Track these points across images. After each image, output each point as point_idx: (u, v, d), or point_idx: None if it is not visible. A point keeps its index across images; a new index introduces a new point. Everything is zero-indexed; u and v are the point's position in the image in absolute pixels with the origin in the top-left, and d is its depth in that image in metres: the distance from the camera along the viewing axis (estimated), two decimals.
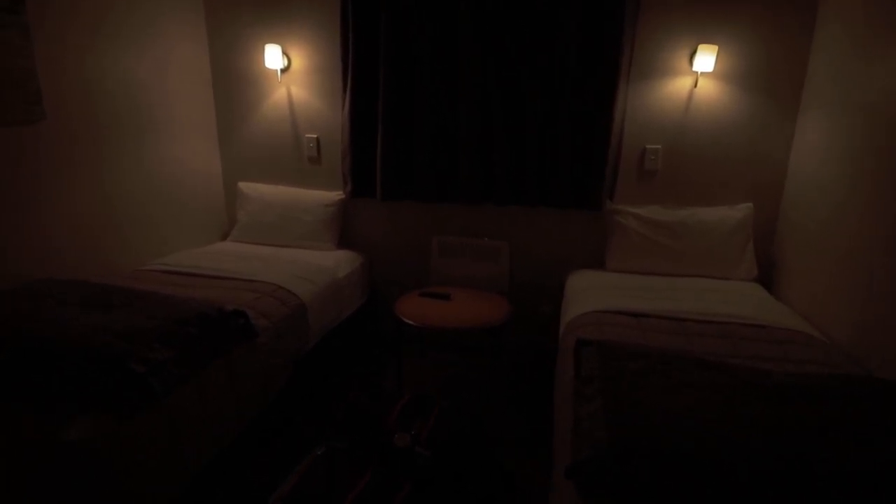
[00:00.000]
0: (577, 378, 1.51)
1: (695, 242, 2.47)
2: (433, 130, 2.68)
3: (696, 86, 2.48)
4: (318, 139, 2.95)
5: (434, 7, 2.52)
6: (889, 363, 1.61)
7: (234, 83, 2.98)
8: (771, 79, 2.41)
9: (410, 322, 2.30)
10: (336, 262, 2.73)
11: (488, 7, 2.47)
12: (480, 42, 2.51)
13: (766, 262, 2.53)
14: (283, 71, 2.87)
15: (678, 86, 2.51)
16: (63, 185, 2.24)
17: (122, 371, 1.42)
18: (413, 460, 1.88)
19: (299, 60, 2.85)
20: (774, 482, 1.02)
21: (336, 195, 2.93)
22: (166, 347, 1.56)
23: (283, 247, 2.87)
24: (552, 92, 2.52)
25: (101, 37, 2.35)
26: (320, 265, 2.62)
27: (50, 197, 2.19)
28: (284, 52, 2.83)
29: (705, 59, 2.36)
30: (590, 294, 2.25)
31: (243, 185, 3.04)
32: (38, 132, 2.10)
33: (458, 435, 2.02)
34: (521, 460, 2.07)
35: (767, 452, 1.08)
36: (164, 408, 1.49)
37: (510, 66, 2.52)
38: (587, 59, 2.45)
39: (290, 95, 2.92)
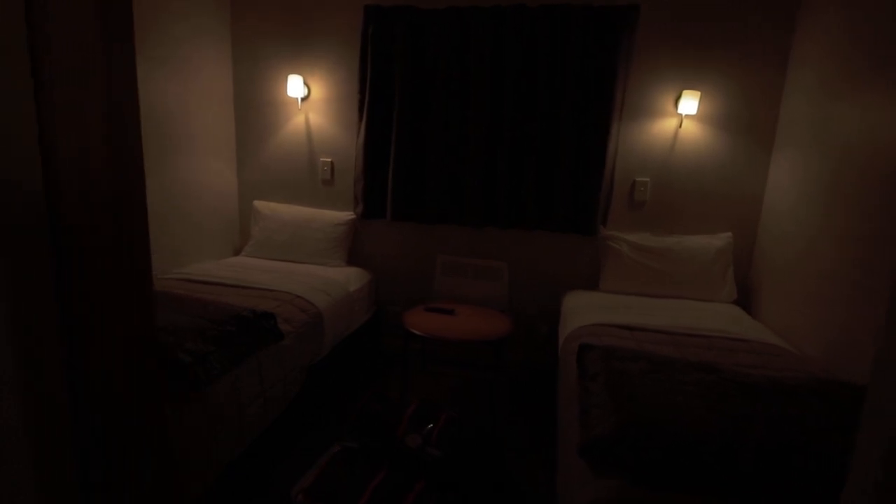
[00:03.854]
0: (581, 377, 1.69)
1: (681, 267, 2.70)
2: (442, 160, 2.90)
3: (680, 126, 2.76)
4: (332, 163, 3.15)
5: (448, 52, 2.78)
6: (851, 373, 1.83)
7: (255, 109, 3.18)
8: (748, 121, 2.70)
9: (417, 332, 2.44)
10: (346, 277, 2.89)
11: (498, 50, 2.74)
12: (490, 83, 2.77)
13: (744, 287, 2.77)
14: (303, 99, 3.08)
15: (665, 126, 2.78)
16: None
17: (171, 361, 1.55)
18: (424, 459, 2.02)
19: (318, 90, 3.07)
20: (747, 459, 1.20)
21: (347, 215, 3.11)
22: (208, 342, 1.70)
23: (295, 262, 3.02)
24: (553, 127, 2.77)
25: (140, 58, 2.52)
26: (334, 279, 2.77)
27: None
28: (305, 83, 3.05)
29: (689, 103, 2.64)
30: (586, 311, 2.45)
31: (259, 204, 3.20)
32: None
33: (466, 438, 2.17)
34: (525, 465, 2.21)
35: (743, 436, 1.26)
36: (206, 398, 1.62)
37: (516, 103, 2.77)
38: (585, 98, 2.72)
39: (307, 122, 3.13)
